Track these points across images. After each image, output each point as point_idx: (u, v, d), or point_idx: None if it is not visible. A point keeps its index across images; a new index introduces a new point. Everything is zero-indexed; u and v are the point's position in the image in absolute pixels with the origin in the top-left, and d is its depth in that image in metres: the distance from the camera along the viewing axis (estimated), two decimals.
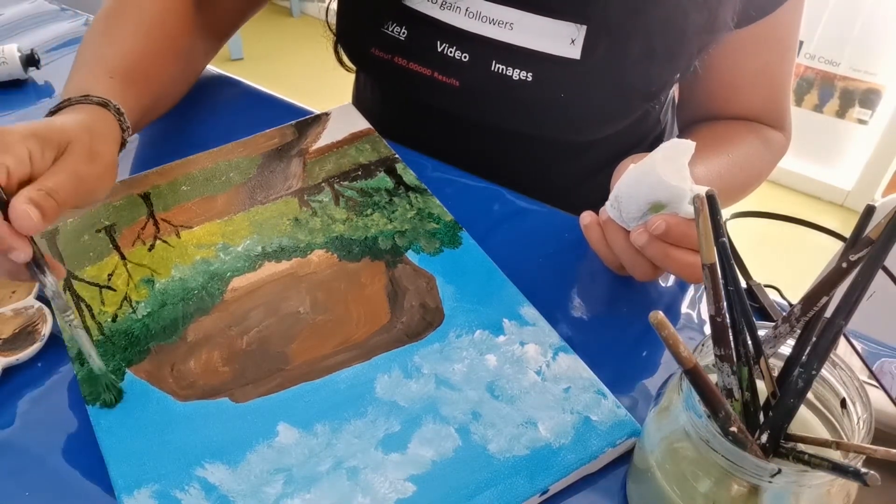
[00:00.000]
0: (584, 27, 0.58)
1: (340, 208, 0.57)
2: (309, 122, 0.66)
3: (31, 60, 0.72)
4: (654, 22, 0.57)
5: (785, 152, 0.72)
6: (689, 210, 0.45)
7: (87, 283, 0.51)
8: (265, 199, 0.58)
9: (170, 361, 0.47)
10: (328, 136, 0.64)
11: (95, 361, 0.45)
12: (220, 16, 0.70)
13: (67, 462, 0.43)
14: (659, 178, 0.45)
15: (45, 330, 0.48)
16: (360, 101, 0.82)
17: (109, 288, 0.51)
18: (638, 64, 0.59)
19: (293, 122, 0.66)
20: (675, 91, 0.77)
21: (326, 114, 0.67)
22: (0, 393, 0.46)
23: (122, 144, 0.54)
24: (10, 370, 0.47)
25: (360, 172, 0.60)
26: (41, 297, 0.50)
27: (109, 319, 0.49)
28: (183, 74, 0.67)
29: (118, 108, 0.53)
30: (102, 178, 0.49)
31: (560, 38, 0.59)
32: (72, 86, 0.55)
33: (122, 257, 0.53)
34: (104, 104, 0.52)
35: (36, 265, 0.44)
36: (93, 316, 0.49)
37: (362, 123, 0.65)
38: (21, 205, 0.42)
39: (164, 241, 0.54)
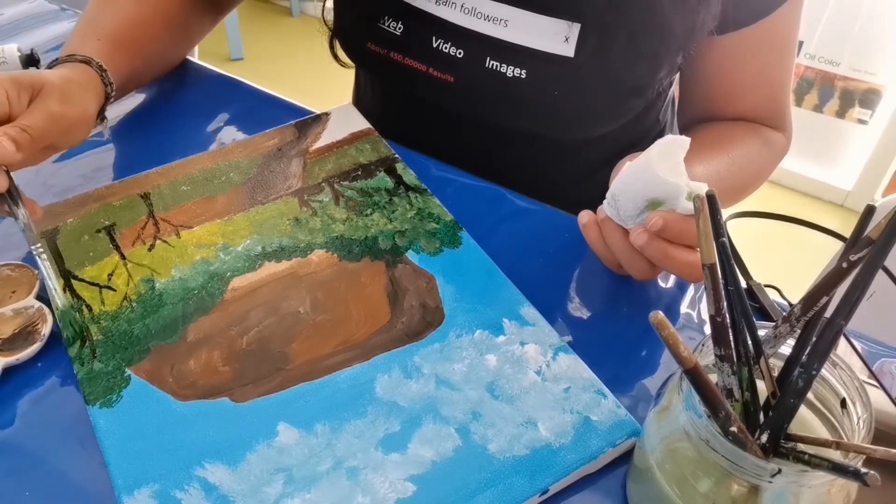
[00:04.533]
0: (578, 25, 0.58)
1: (340, 208, 0.57)
2: (309, 122, 0.66)
3: (31, 60, 0.72)
4: (637, 19, 0.57)
5: (785, 153, 0.72)
6: (686, 206, 0.45)
7: (87, 283, 0.51)
8: (265, 199, 0.58)
9: (170, 361, 0.47)
10: (328, 135, 0.64)
11: (59, 298, 0.49)
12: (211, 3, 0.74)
13: (67, 462, 0.43)
14: (655, 175, 0.45)
15: (45, 330, 0.48)
16: (361, 99, 0.82)
17: (109, 288, 0.51)
18: (625, 61, 0.59)
19: (293, 122, 0.66)
20: (675, 90, 0.77)
21: (326, 114, 0.67)
22: (0, 393, 0.46)
23: (107, 98, 0.59)
24: (10, 370, 0.47)
25: (360, 172, 0.60)
26: (41, 297, 0.50)
27: (109, 319, 0.49)
28: (175, 42, 0.71)
29: (100, 65, 0.58)
30: (77, 122, 0.53)
31: (554, 36, 0.59)
32: (64, 50, 0.60)
33: (122, 257, 0.53)
34: (87, 61, 0.58)
35: (10, 196, 0.50)
36: (93, 316, 0.49)
37: (362, 123, 0.65)
38: None
39: (164, 241, 0.54)
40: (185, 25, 0.71)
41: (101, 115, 0.59)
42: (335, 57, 0.72)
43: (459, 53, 0.62)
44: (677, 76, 0.72)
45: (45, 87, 0.51)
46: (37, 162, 0.53)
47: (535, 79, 0.61)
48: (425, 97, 0.68)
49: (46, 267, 0.50)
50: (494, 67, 0.61)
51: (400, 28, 0.64)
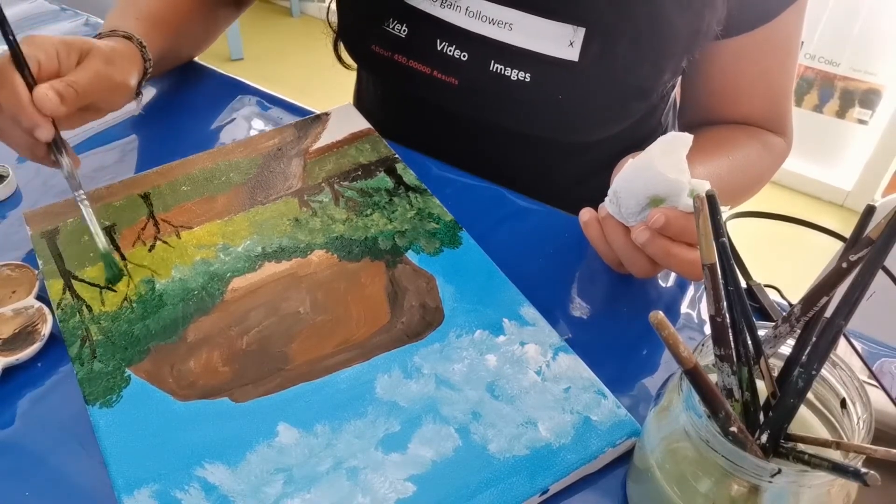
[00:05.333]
0: (583, 29, 0.58)
1: (340, 208, 0.57)
2: (309, 122, 0.66)
3: None
4: (642, 23, 0.57)
5: (786, 158, 0.72)
6: (687, 203, 0.45)
7: (88, 283, 0.51)
8: (265, 199, 0.58)
9: (170, 361, 0.47)
10: (328, 136, 0.64)
11: (101, 241, 0.52)
12: None
13: (67, 462, 0.43)
14: (657, 172, 0.45)
15: (45, 330, 0.48)
16: (362, 100, 0.82)
17: (109, 288, 0.51)
18: (629, 65, 0.59)
19: (293, 122, 0.66)
20: (676, 93, 0.77)
21: (326, 114, 0.67)
22: (0, 393, 0.46)
23: (145, 73, 0.62)
24: (10, 370, 0.47)
25: (360, 172, 0.60)
26: (41, 297, 0.50)
27: (110, 320, 0.49)
28: (204, 28, 0.75)
29: (141, 42, 0.61)
30: (120, 85, 0.56)
31: (559, 40, 0.59)
32: (104, 26, 0.63)
33: (123, 258, 0.53)
34: (128, 37, 0.61)
35: (56, 146, 0.53)
36: (93, 316, 0.49)
37: (362, 123, 0.65)
38: (42, 88, 0.50)
39: (165, 242, 0.54)
40: (212, 13, 0.75)
41: (136, 91, 0.61)
42: (339, 59, 0.73)
43: (464, 56, 0.62)
44: (679, 79, 0.72)
45: (93, 50, 0.55)
46: (78, 124, 0.56)
47: (539, 82, 0.60)
48: (428, 99, 0.68)
49: (89, 213, 0.53)
50: (498, 71, 0.61)
51: (404, 30, 0.63)
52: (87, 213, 0.53)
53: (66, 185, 0.61)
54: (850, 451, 0.33)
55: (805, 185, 2.05)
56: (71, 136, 0.66)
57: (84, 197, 0.53)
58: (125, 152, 0.65)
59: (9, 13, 0.53)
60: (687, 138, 0.46)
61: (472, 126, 0.69)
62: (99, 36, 0.61)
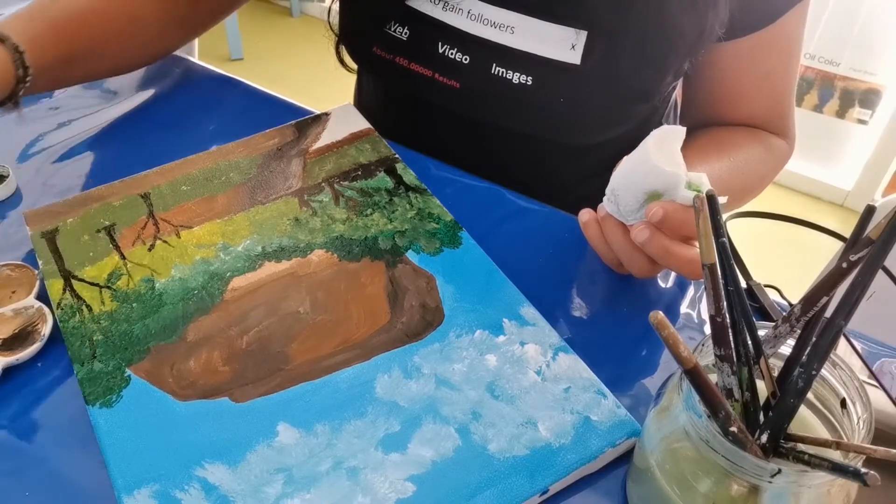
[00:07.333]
0: (585, 33, 0.58)
1: (340, 208, 0.57)
2: (309, 122, 0.66)
3: None
4: (646, 25, 0.57)
5: (787, 160, 0.72)
6: (685, 195, 0.45)
7: (87, 283, 0.51)
8: (265, 198, 0.58)
9: (170, 361, 0.47)
10: (328, 135, 0.64)
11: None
12: (196, 9, 0.70)
13: (67, 462, 0.43)
14: (653, 166, 0.45)
15: (45, 330, 0.48)
16: (362, 101, 0.82)
17: (109, 288, 0.51)
18: (632, 68, 0.59)
19: (293, 122, 0.66)
20: (677, 95, 0.77)
21: (326, 114, 0.67)
22: (0, 393, 0.46)
23: (18, 83, 0.55)
24: (10, 370, 0.47)
25: (360, 172, 0.60)
26: (41, 297, 0.50)
27: (109, 319, 0.49)
28: (141, 42, 0.67)
29: (16, 46, 0.55)
30: None
31: (561, 43, 0.59)
32: None
33: (123, 257, 0.53)
34: (2, 39, 0.54)
35: None
36: (93, 316, 0.49)
37: (362, 123, 0.65)
38: None
39: (165, 241, 0.54)
40: (152, 33, 0.68)
41: (13, 100, 0.56)
42: (340, 61, 0.72)
43: (465, 59, 0.62)
44: (680, 80, 0.72)
45: None
46: None
47: (541, 86, 0.60)
48: (429, 101, 0.68)
49: None
50: (500, 74, 0.61)
51: (406, 33, 0.63)
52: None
53: (67, 185, 0.61)
54: (850, 451, 0.33)
55: (805, 185, 2.05)
56: (69, 136, 0.66)
57: None
58: (125, 152, 0.65)
59: (8, 13, 0.53)
60: (680, 131, 0.46)
61: (472, 128, 0.69)
62: None
